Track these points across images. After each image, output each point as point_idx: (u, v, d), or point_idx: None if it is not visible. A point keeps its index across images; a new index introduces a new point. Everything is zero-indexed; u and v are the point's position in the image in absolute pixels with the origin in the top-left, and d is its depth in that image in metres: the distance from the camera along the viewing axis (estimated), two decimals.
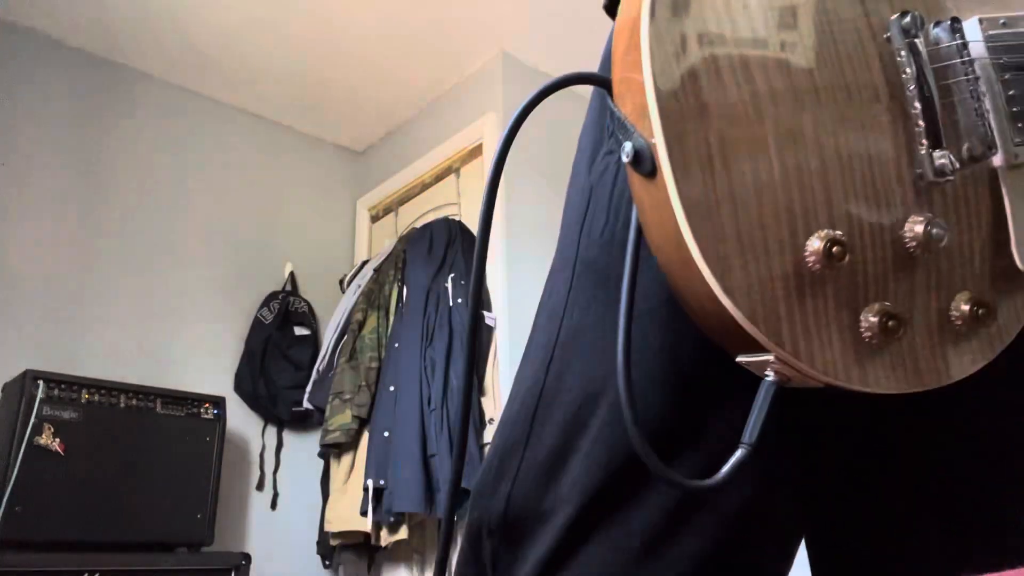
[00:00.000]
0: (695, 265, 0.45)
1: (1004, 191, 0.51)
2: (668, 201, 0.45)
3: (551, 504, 0.55)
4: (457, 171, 2.89)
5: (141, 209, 2.70)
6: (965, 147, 0.50)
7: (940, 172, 0.49)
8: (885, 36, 0.51)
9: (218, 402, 2.27)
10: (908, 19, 0.50)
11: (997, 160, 0.51)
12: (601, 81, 0.54)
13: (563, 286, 0.61)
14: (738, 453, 0.48)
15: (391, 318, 2.57)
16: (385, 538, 2.27)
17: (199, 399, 2.20)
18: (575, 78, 0.54)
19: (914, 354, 0.50)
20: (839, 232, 0.47)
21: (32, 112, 2.60)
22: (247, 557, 2.11)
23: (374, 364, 2.49)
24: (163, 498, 2.04)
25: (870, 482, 0.61)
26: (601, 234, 0.59)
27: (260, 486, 2.69)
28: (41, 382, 1.95)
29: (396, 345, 2.45)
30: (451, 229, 2.63)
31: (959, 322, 0.50)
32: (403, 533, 2.26)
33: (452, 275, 2.50)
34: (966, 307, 0.50)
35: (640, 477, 0.53)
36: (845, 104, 0.50)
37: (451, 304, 2.44)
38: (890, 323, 0.48)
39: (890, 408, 0.53)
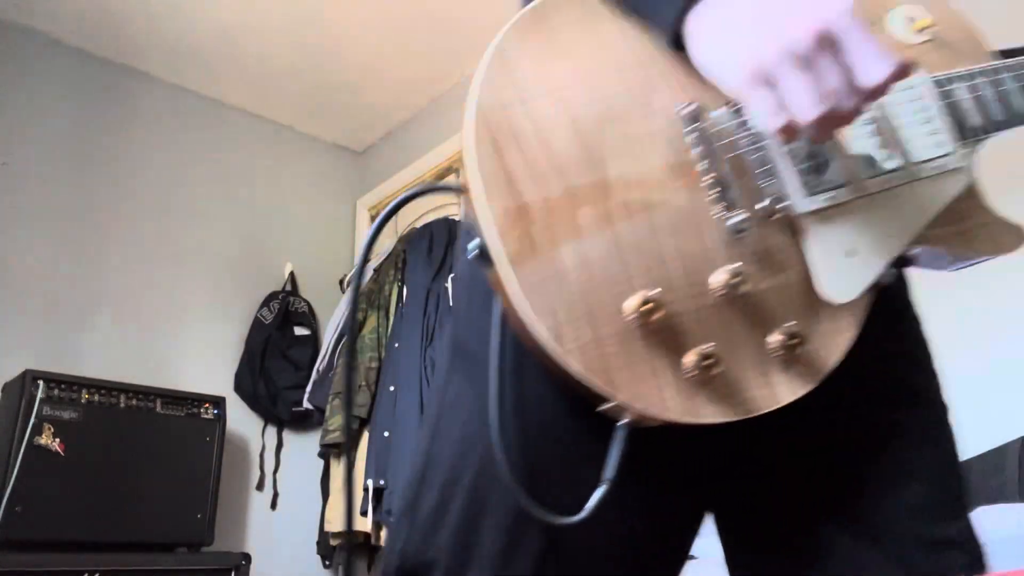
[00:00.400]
0: (537, 335, 0.54)
1: (802, 236, 0.60)
2: (506, 286, 0.54)
3: (434, 555, 0.63)
4: (457, 171, 2.89)
5: (141, 209, 2.70)
6: (760, 204, 0.59)
7: (737, 230, 0.58)
8: (675, 124, 0.60)
9: (218, 402, 2.27)
10: (692, 107, 0.60)
11: (791, 211, 0.60)
12: (455, 190, 0.62)
13: (443, 362, 0.71)
14: (599, 489, 0.57)
15: (391, 318, 2.57)
16: (385, 538, 2.28)
17: (199, 399, 2.20)
18: (429, 189, 0.65)
19: (739, 386, 0.58)
20: (653, 292, 0.55)
21: (32, 112, 2.60)
22: (247, 557, 2.11)
23: (374, 364, 2.49)
24: (163, 498, 2.04)
25: (763, 494, 0.68)
26: (468, 318, 0.68)
27: (260, 486, 2.69)
28: (41, 382, 1.95)
29: (396, 345, 2.45)
30: (451, 229, 2.63)
31: (779, 353, 0.58)
32: None
33: (452, 275, 2.50)
34: (781, 338, 0.58)
35: (516, 524, 0.61)
36: (649, 186, 0.59)
37: (451, 304, 2.44)
38: (706, 362, 0.56)
39: (763, 429, 0.60)
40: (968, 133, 0.65)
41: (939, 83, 0.66)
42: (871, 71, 0.52)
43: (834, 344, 0.60)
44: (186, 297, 2.68)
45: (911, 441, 0.67)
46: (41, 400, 1.92)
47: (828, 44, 0.52)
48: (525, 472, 0.60)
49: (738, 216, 0.58)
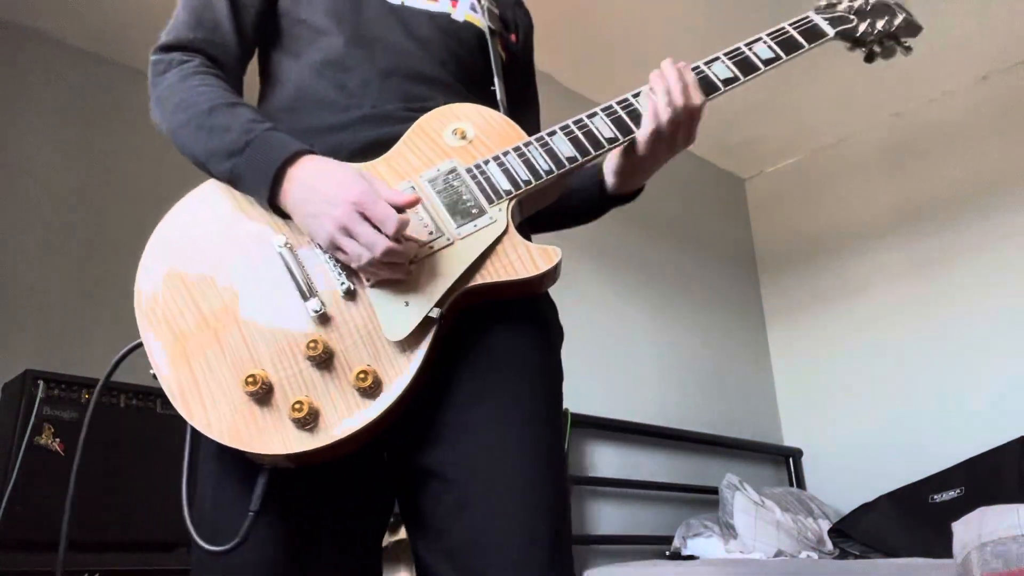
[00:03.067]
0: (190, 419, 0.84)
1: (372, 300, 0.87)
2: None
3: None
4: None
5: (141, 208, 2.70)
6: (327, 292, 0.87)
7: (315, 309, 0.86)
8: (269, 249, 0.91)
9: None
10: (282, 237, 0.91)
11: (360, 287, 0.88)
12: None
13: None
14: (248, 518, 0.82)
15: None
16: (385, 538, 2.27)
17: None
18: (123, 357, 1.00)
19: (327, 422, 0.82)
20: (258, 371, 0.83)
21: (32, 112, 2.60)
22: None
23: None
24: (163, 498, 2.04)
25: (413, 501, 0.92)
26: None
27: None
28: (41, 382, 1.94)
29: None
30: None
31: (355, 388, 0.83)
32: (403, 533, 2.26)
33: None
34: (352, 376, 0.83)
35: (199, 561, 0.92)
36: (253, 296, 0.88)
37: None
38: (300, 407, 0.81)
39: (390, 455, 0.94)
40: (502, 194, 0.94)
41: (469, 170, 0.95)
42: (386, 225, 0.83)
43: (398, 376, 0.84)
44: None
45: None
46: (41, 400, 1.92)
47: (361, 214, 0.83)
48: (207, 515, 0.91)
49: (313, 301, 0.86)
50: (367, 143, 0.98)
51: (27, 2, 2.57)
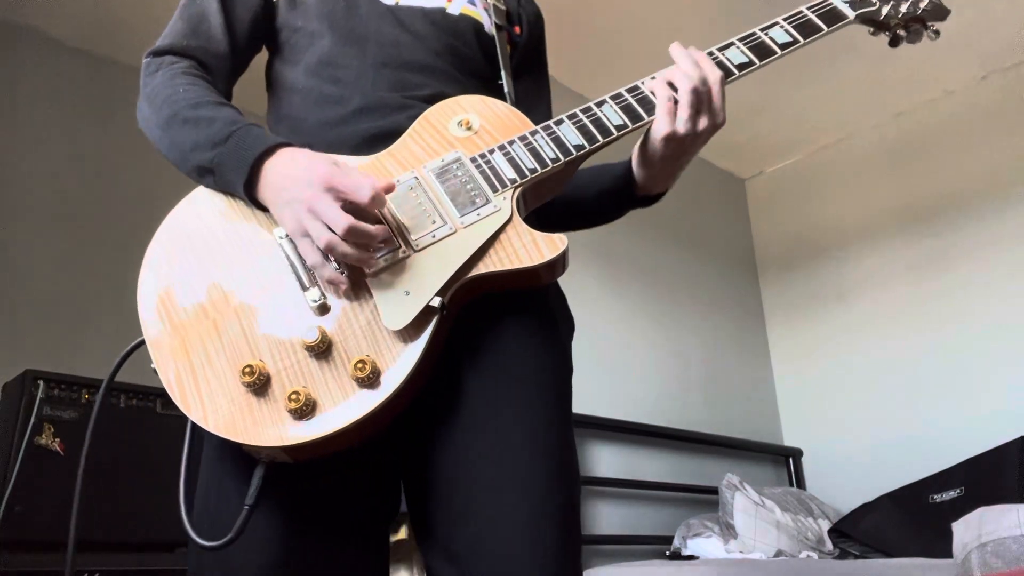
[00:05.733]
0: (188, 412, 0.83)
1: (370, 291, 0.85)
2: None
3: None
4: None
5: (141, 208, 2.70)
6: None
7: (315, 299, 0.85)
8: (269, 241, 0.90)
9: None
10: (283, 228, 0.88)
11: (361, 277, 0.86)
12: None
13: None
14: (243, 512, 0.80)
15: None
16: None
17: None
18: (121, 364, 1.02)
19: (324, 413, 0.80)
20: (255, 361, 0.82)
21: (32, 112, 2.60)
22: None
23: None
24: (163, 498, 2.03)
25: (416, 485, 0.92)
26: None
27: None
28: (41, 382, 1.94)
29: None
30: None
31: (353, 379, 0.81)
32: (403, 533, 2.26)
33: None
34: (351, 366, 0.81)
35: (198, 559, 0.91)
36: (252, 287, 0.88)
37: None
38: (297, 397, 0.79)
39: (397, 443, 0.91)
40: (507, 183, 0.92)
41: (474, 159, 0.94)
42: (360, 192, 0.82)
43: (401, 362, 0.82)
44: None
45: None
46: (41, 400, 1.92)
47: (331, 193, 0.82)
48: (207, 512, 0.90)
49: (312, 291, 0.85)
50: (367, 136, 0.98)
51: (26, 2, 2.57)
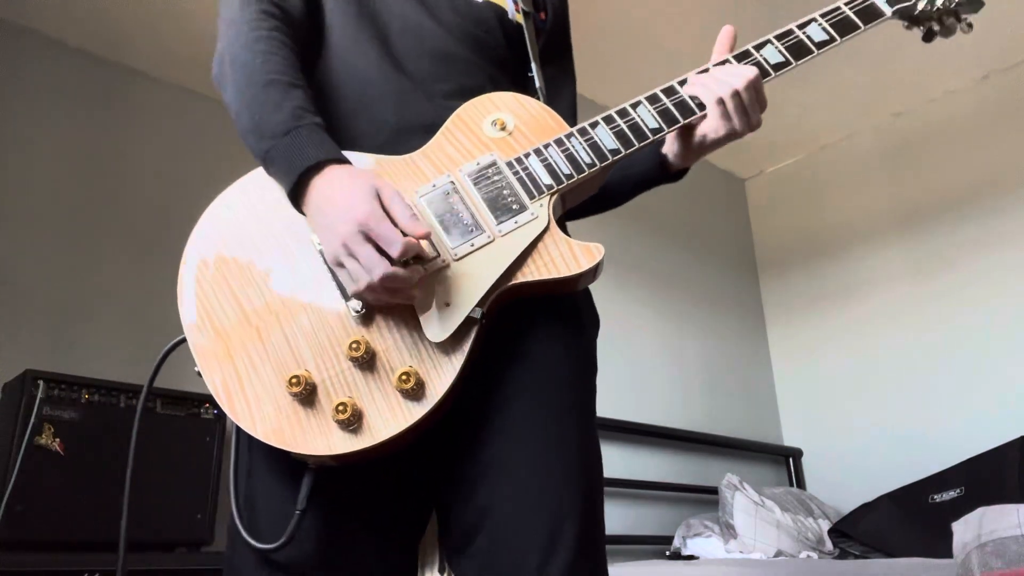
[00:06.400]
0: (235, 419, 0.84)
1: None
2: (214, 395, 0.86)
3: None
4: None
5: (141, 208, 2.70)
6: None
7: (357, 309, 0.85)
8: (309, 247, 0.89)
9: None
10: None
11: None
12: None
13: None
14: (295, 516, 0.84)
15: None
16: None
17: (199, 399, 2.20)
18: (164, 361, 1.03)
19: (371, 423, 0.82)
20: (302, 372, 0.83)
21: (32, 112, 2.60)
22: None
23: None
24: (163, 498, 2.04)
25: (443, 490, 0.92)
26: None
27: None
28: (41, 382, 1.94)
29: None
30: None
31: (398, 390, 0.82)
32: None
33: None
34: (395, 378, 0.82)
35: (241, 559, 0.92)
36: (294, 294, 0.88)
37: None
38: (344, 409, 0.81)
39: (426, 451, 0.90)
40: (544, 189, 0.92)
41: (510, 163, 0.93)
42: (392, 247, 0.80)
43: (441, 381, 0.83)
44: None
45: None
46: (41, 400, 1.92)
47: (365, 235, 0.80)
48: (253, 512, 0.92)
49: (355, 302, 0.85)
50: (396, 129, 0.98)
51: (27, 2, 2.57)
